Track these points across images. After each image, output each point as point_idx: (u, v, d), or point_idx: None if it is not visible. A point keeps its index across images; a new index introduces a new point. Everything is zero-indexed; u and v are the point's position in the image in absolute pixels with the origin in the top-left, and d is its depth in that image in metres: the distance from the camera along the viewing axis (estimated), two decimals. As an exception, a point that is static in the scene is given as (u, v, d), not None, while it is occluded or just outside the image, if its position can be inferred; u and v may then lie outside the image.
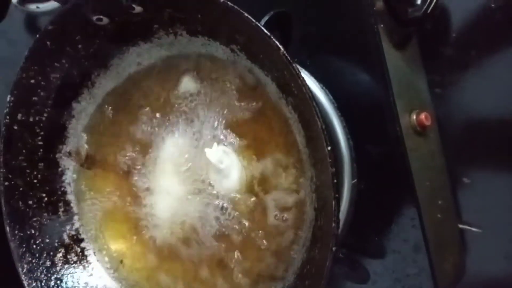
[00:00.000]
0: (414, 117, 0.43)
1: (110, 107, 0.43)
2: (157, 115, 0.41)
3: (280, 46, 0.27)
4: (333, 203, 0.27)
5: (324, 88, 0.41)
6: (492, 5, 0.45)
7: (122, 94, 0.42)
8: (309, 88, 0.27)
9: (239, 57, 0.36)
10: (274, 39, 0.27)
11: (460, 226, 0.49)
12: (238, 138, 0.36)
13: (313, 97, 0.26)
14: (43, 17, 0.65)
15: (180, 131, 0.39)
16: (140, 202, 0.42)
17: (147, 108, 0.41)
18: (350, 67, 0.44)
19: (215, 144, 0.36)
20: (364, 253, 0.43)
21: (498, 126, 0.47)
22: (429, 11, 0.41)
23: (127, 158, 0.43)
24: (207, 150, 0.35)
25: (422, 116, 0.43)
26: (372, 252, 0.43)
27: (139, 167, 0.42)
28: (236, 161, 0.35)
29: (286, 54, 0.27)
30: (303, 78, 0.27)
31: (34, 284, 0.41)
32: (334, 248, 0.27)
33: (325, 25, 0.43)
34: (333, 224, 0.27)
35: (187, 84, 0.39)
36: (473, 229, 0.49)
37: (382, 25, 0.42)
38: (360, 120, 0.42)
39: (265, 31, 0.28)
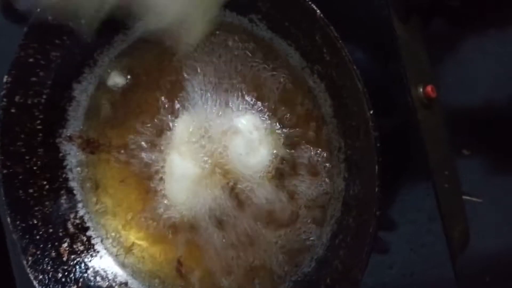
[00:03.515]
0: (421, 89, 0.44)
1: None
2: (168, 92, 0.39)
3: (317, 9, 0.27)
4: (376, 167, 0.26)
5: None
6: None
7: (127, 72, 0.40)
8: (348, 51, 0.26)
9: (257, 27, 0.34)
10: (310, 2, 0.27)
11: (463, 196, 0.50)
12: (264, 111, 0.35)
13: (353, 60, 0.26)
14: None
15: (195, 105, 0.37)
16: (151, 187, 0.40)
17: (157, 87, 0.39)
18: (359, 40, 0.43)
19: (246, 114, 0.35)
20: (379, 225, 0.43)
21: (494, 99, 0.48)
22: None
23: (133, 140, 0.41)
24: (237, 118, 0.34)
25: (429, 88, 0.44)
26: (387, 223, 0.43)
27: (148, 149, 0.40)
28: (266, 136, 0.34)
29: (323, 17, 0.27)
30: (342, 40, 0.26)
31: (41, 276, 0.38)
32: (378, 213, 0.27)
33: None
34: (377, 189, 0.26)
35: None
36: (474, 199, 0.50)
37: (389, -1, 0.42)
38: (370, 94, 0.41)
39: (299, -6, 0.27)
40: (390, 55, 0.41)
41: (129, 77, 0.39)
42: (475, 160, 0.50)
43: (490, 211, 0.50)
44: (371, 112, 0.26)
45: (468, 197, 0.51)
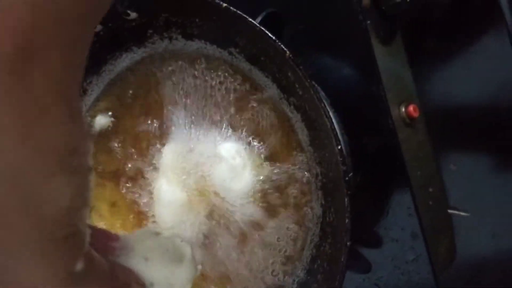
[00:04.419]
0: (403, 109, 0.45)
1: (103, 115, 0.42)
2: (154, 121, 0.40)
3: (286, 50, 0.28)
4: (346, 199, 0.28)
5: (316, 85, 0.42)
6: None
7: (116, 100, 0.42)
8: (317, 89, 0.27)
9: (237, 60, 0.36)
10: (279, 43, 0.28)
11: (449, 211, 0.51)
12: (246, 138, 0.36)
13: (321, 97, 0.27)
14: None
15: (180, 134, 0.39)
16: (141, 211, 0.42)
17: (144, 115, 0.40)
18: (341, 64, 0.44)
19: (228, 141, 0.36)
20: (364, 244, 0.45)
21: (480, 114, 0.49)
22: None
23: (124, 166, 0.42)
24: (220, 145, 0.35)
25: (411, 108, 0.45)
26: (371, 242, 0.44)
27: (138, 175, 0.42)
28: (248, 162, 0.36)
29: (292, 57, 0.28)
30: (310, 79, 0.27)
31: None
32: (348, 243, 0.28)
33: (315, 23, 0.44)
34: (347, 220, 0.28)
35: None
36: (461, 213, 0.51)
37: (369, 21, 0.43)
38: (353, 115, 0.43)
39: (270, 34, 0.28)
40: (371, 78, 0.42)
41: (111, 115, 0.40)
42: (462, 175, 0.51)
43: (477, 224, 0.50)
44: (339, 147, 0.27)
45: (455, 211, 0.52)
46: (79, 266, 0.17)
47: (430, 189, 0.47)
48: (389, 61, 0.45)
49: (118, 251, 0.22)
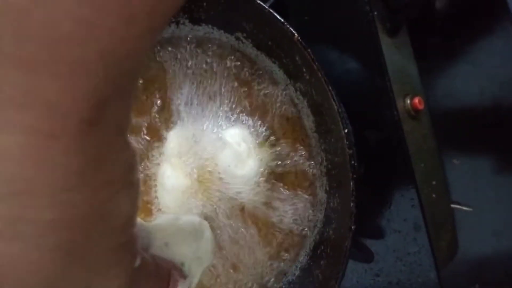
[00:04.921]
0: (408, 101, 0.45)
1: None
2: (159, 106, 0.40)
3: (294, 32, 0.28)
4: (351, 183, 0.28)
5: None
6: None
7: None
8: (324, 73, 0.27)
9: (244, 45, 0.36)
10: (288, 25, 0.28)
11: (452, 205, 0.51)
12: (252, 124, 0.36)
13: (328, 81, 0.27)
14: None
15: (185, 119, 0.39)
16: (144, 197, 0.42)
17: (149, 100, 0.40)
18: (345, 56, 0.44)
19: (234, 127, 0.36)
20: (366, 234, 0.44)
21: (483, 110, 0.49)
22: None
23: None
24: (225, 131, 0.35)
25: (416, 100, 0.45)
26: (374, 233, 0.44)
27: (141, 161, 0.42)
28: (253, 148, 0.36)
29: (301, 40, 0.28)
30: (318, 62, 0.27)
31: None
32: (353, 227, 0.28)
33: (320, 13, 0.44)
34: (352, 204, 0.28)
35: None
36: (464, 207, 0.51)
37: (376, 13, 0.43)
38: (358, 106, 0.43)
39: (279, 17, 0.28)
40: (376, 69, 0.42)
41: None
42: (465, 170, 0.51)
43: (480, 219, 0.50)
44: (346, 131, 0.27)
45: (458, 206, 0.52)
46: (138, 262, 0.19)
47: (433, 182, 0.47)
48: (395, 53, 0.45)
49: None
